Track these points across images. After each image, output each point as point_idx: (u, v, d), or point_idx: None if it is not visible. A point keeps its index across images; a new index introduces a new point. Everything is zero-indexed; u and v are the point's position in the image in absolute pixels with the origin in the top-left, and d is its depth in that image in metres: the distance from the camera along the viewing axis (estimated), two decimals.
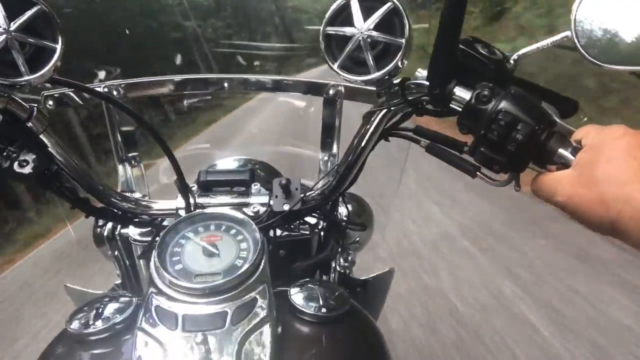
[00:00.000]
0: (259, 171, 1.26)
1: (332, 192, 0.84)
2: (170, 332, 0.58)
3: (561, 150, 0.56)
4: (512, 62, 0.64)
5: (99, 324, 0.65)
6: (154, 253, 0.65)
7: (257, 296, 0.63)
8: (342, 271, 1.17)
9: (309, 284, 0.74)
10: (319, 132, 1.05)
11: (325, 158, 1.06)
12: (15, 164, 0.68)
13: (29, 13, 0.64)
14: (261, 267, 0.65)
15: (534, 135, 0.56)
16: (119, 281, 1.09)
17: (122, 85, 0.96)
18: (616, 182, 0.49)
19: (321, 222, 0.95)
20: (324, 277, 1.05)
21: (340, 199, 0.94)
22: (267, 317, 0.61)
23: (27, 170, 0.69)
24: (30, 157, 0.69)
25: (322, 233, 0.95)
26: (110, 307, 0.69)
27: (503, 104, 0.57)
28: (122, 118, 0.99)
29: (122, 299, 0.71)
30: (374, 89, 0.74)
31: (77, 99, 0.92)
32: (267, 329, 0.60)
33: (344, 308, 0.69)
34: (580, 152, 0.54)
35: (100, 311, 0.68)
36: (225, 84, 1.04)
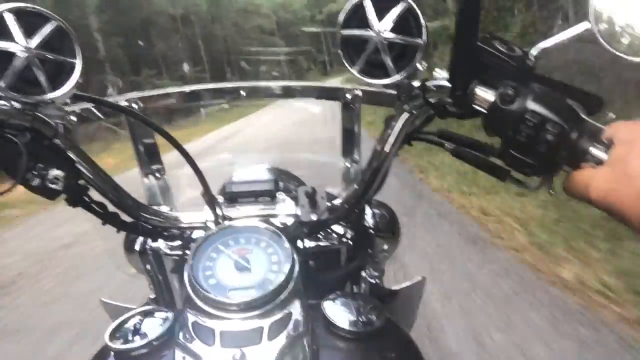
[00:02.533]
0: (281, 180, 1.26)
1: (359, 199, 0.83)
2: (208, 347, 0.59)
3: (593, 149, 0.54)
4: (532, 57, 0.63)
5: (138, 340, 0.66)
6: (188, 268, 0.65)
7: (292, 310, 0.62)
8: (373, 281, 1.15)
9: (342, 297, 0.74)
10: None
11: (348, 164, 1.05)
12: (46, 181, 0.69)
13: (46, 29, 0.64)
14: (294, 280, 0.65)
15: (564, 134, 0.54)
16: (152, 295, 1.10)
17: (140, 98, 0.97)
18: None
19: (349, 231, 0.94)
20: (355, 288, 1.04)
21: (367, 206, 0.93)
22: (304, 332, 0.61)
23: (58, 187, 0.70)
24: (59, 174, 0.70)
25: (350, 242, 0.95)
26: (148, 323, 0.69)
27: (529, 104, 0.56)
28: (144, 130, 1.00)
29: (158, 314, 0.71)
30: (393, 92, 0.73)
31: (98, 113, 0.93)
32: (304, 344, 0.61)
33: (379, 322, 0.68)
34: (612, 149, 0.53)
35: (138, 327, 0.69)
36: (242, 92, 1.04)
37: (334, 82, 1.01)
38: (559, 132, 0.54)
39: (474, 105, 0.63)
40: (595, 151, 0.54)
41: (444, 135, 0.73)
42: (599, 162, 0.54)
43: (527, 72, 0.61)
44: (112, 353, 0.66)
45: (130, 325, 0.69)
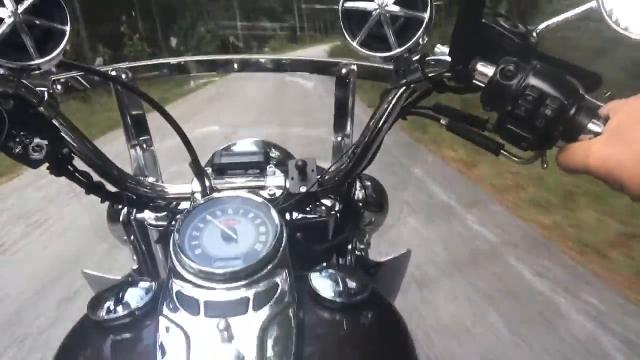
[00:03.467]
0: (272, 152, 1.24)
1: (349, 173, 0.83)
2: (192, 317, 0.58)
3: (590, 124, 0.54)
4: (535, 35, 0.62)
5: (120, 310, 0.65)
6: (173, 237, 0.65)
7: (278, 281, 0.62)
8: (359, 253, 1.16)
9: (329, 268, 0.74)
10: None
11: (339, 139, 1.04)
12: (29, 149, 0.67)
13: None
14: (281, 251, 0.65)
15: (563, 110, 0.54)
16: (135, 266, 1.09)
17: (129, 68, 0.95)
18: None
19: (337, 204, 0.94)
20: (341, 260, 1.05)
21: (357, 180, 0.92)
22: (289, 303, 0.61)
23: (41, 155, 0.68)
24: (43, 143, 0.68)
25: (338, 215, 0.94)
26: (131, 293, 0.68)
27: (530, 79, 0.55)
28: (131, 101, 0.98)
29: (141, 284, 0.70)
30: (389, 67, 0.72)
31: (85, 83, 0.90)
32: (289, 315, 0.60)
33: (365, 293, 0.69)
34: (610, 120, 0.53)
35: (120, 297, 0.68)
36: (235, 65, 1.02)
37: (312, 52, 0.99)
38: (558, 107, 0.54)
39: (473, 80, 0.62)
40: (593, 126, 0.54)
41: (439, 109, 0.73)
42: (596, 135, 0.54)
43: (529, 49, 0.61)
44: (93, 324, 0.65)
45: (112, 295, 0.68)
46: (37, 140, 0.68)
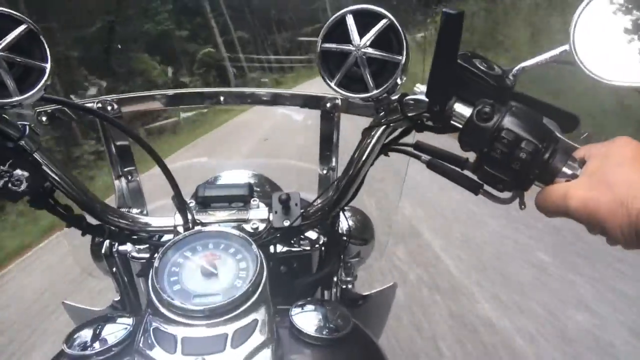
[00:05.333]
0: (257, 185, 1.24)
1: (333, 207, 0.83)
2: (168, 355, 0.57)
3: (565, 168, 0.55)
4: (511, 77, 0.63)
5: (97, 346, 0.64)
6: (152, 273, 0.64)
7: (258, 317, 0.61)
8: (344, 286, 1.15)
9: (310, 303, 0.73)
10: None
11: (325, 172, 1.05)
12: (9, 184, 0.67)
13: (16, 32, 0.63)
14: (261, 287, 0.64)
15: (538, 153, 0.55)
16: (117, 298, 1.07)
17: (116, 100, 0.95)
18: (632, 181, 0.47)
19: (322, 238, 0.94)
20: (326, 293, 1.04)
21: (341, 213, 0.92)
22: (268, 340, 0.60)
23: (21, 188, 0.68)
24: (23, 176, 0.68)
25: (323, 248, 0.94)
26: (108, 328, 0.67)
27: (505, 122, 0.56)
28: (117, 133, 0.98)
29: (120, 320, 0.69)
30: (372, 103, 0.73)
31: (71, 114, 0.91)
32: (268, 352, 0.59)
33: (346, 329, 0.68)
34: (587, 163, 0.53)
35: (98, 332, 0.67)
36: (222, 98, 1.03)
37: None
38: (533, 150, 0.55)
39: (451, 121, 0.63)
40: (568, 169, 0.55)
41: (420, 147, 0.74)
42: (572, 177, 0.54)
43: (506, 90, 0.62)
44: (69, 359, 0.64)
45: (90, 330, 0.67)
46: (17, 173, 0.68)
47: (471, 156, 0.65)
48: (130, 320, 0.69)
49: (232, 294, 0.61)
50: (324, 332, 0.67)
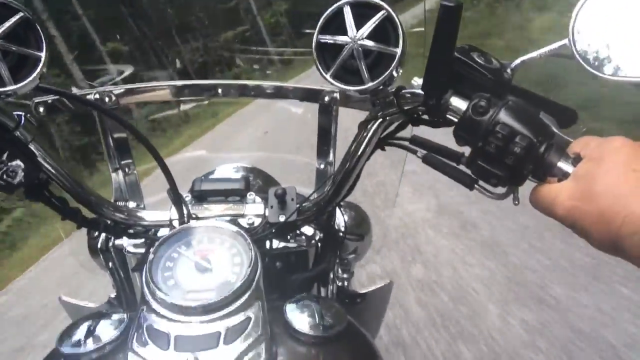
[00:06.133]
0: (254, 179, 1.24)
1: (329, 202, 0.83)
2: (162, 352, 0.57)
3: (560, 163, 0.54)
4: (509, 71, 0.62)
5: (90, 344, 0.64)
6: (146, 268, 0.64)
7: (251, 314, 0.61)
8: (341, 283, 1.15)
9: (305, 299, 0.73)
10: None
11: (322, 166, 1.04)
12: (4, 175, 0.67)
13: (11, 21, 0.63)
14: (255, 282, 0.64)
15: (533, 148, 0.54)
16: (114, 293, 1.07)
17: (114, 92, 0.95)
18: (616, 195, 0.47)
19: (318, 233, 0.93)
20: (322, 290, 1.04)
21: (337, 209, 0.92)
22: (261, 337, 0.60)
23: (16, 180, 0.68)
24: (18, 167, 0.68)
25: (319, 244, 0.94)
26: (102, 325, 0.67)
27: (500, 116, 0.56)
28: (114, 125, 0.97)
29: (114, 316, 0.69)
30: (369, 97, 0.72)
31: (69, 104, 0.90)
32: (261, 349, 0.59)
33: (340, 326, 0.68)
34: (579, 164, 0.53)
35: (91, 329, 0.67)
36: (220, 90, 1.02)
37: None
38: (527, 145, 0.54)
39: (447, 115, 0.63)
40: (563, 165, 0.54)
41: (416, 141, 0.73)
42: (565, 176, 0.54)
43: (503, 84, 0.61)
44: (62, 358, 0.64)
45: (84, 327, 0.67)
46: (12, 164, 0.67)
47: (468, 151, 0.64)
48: (124, 317, 0.69)
49: (226, 290, 0.61)
50: (318, 330, 0.67)
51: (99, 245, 0.97)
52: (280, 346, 0.64)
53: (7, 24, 0.62)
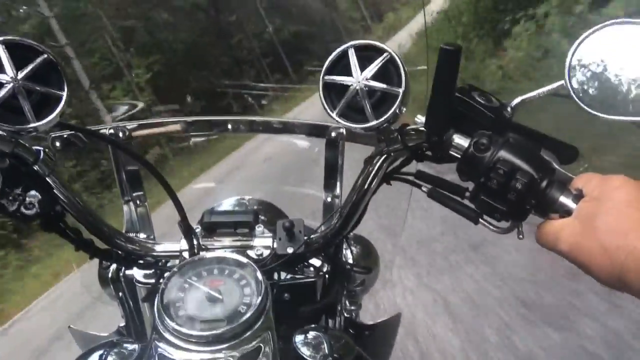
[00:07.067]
0: (262, 212, 1.26)
1: (336, 235, 0.84)
2: None
3: (562, 199, 0.56)
4: (509, 109, 0.64)
5: None
6: (157, 298, 0.65)
7: (262, 344, 0.62)
8: (348, 315, 1.15)
9: (314, 330, 0.73)
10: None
11: (329, 199, 1.06)
12: (22, 206, 0.69)
13: (35, 62, 0.67)
14: (265, 313, 0.64)
15: (534, 184, 0.56)
16: (123, 323, 1.08)
17: (128, 127, 0.98)
18: (618, 232, 0.49)
19: (326, 265, 0.94)
20: (330, 322, 1.03)
21: (345, 241, 0.93)
22: None
23: (33, 212, 0.70)
24: (35, 199, 0.70)
25: (326, 276, 0.94)
26: (114, 355, 0.68)
27: (501, 153, 0.58)
28: (127, 158, 1.00)
29: (125, 346, 0.70)
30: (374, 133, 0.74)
31: (84, 139, 0.93)
32: None
33: (349, 357, 0.69)
34: (581, 202, 0.54)
35: (104, 358, 0.68)
36: (229, 126, 1.05)
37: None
38: (529, 181, 0.56)
39: (450, 151, 0.65)
40: (564, 201, 0.56)
41: (421, 176, 0.75)
42: (567, 212, 0.55)
43: (504, 122, 0.63)
44: None
45: (95, 357, 0.68)
46: (29, 197, 0.70)
47: (472, 186, 0.66)
48: (135, 347, 0.70)
49: (237, 320, 0.62)
50: None
51: (109, 275, 0.98)
52: None
53: (31, 66, 0.66)
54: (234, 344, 0.60)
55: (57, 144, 0.91)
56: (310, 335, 0.72)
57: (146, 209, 1.07)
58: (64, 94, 0.69)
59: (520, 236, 0.63)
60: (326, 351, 0.69)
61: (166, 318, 0.62)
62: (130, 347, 0.70)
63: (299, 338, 0.71)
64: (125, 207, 1.04)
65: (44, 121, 0.67)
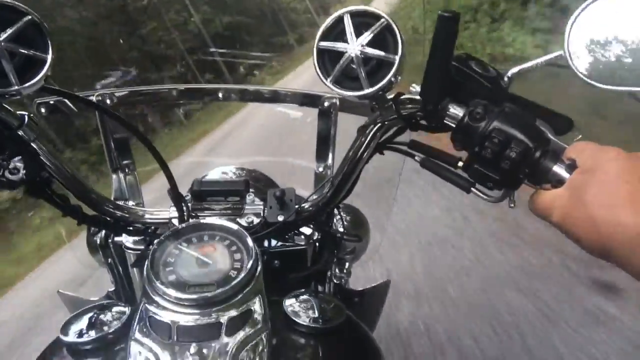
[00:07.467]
0: (253, 181, 1.25)
1: (327, 204, 0.84)
2: (163, 342, 0.58)
3: (555, 169, 0.56)
4: (506, 79, 0.64)
5: (92, 334, 0.65)
6: (147, 263, 0.65)
7: (252, 307, 0.62)
8: (338, 282, 1.16)
9: (304, 294, 0.74)
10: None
11: (321, 169, 1.06)
12: (6, 171, 0.68)
13: (19, 23, 0.64)
14: (255, 277, 0.64)
15: (528, 154, 0.56)
16: (112, 288, 1.08)
17: (116, 94, 0.96)
18: (607, 205, 0.49)
19: (316, 233, 0.94)
20: (320, 287, 1.05)
21: (336, 211, 0.93)
22: (262, 328, 0.61)
23: (18, 177, 0.69)
24: (20, 165, 0.69)
25: (317, 244, 0.95)
26: (104, 316, 0.69)
27: (496, 122, 0.58)
28: (115, 125, 0.99)
29: (115, 308, 0.71)
30: (368, 102, 0.73)
31: (71, 105, 0.92)
32: (262, 340, 0.60)
33: (339, 319, 0.69)
34: (574, 173, 0.55)
35: (93, 320, 0.68)
36: (220, 94, 1.04)
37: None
38: (523, 150, 0.56)
39: (445, 121, 0.64)
40: (558, 170, 0.56)
41: (414, 146, 0.74)
42: (560, 181, 0.55)
43: (500, 92, 0.63)
44: (65, 346, 0.66)
45: (86, 318, 0.68)
46: (14, 162, 0.68)
47: (465, 155, 0.65)
48: (126, 309, 0.70)
49: (227, 284, 0.62)
50: (317, 322, 0.68)
51: (98, 242, 0.98)
52: (281, 338, 0.66)
53: (15, 27, 0.64)
54: (224, 307, 0.60)
55: (43, 110, 0.89)
56: (301, 299, 0.73)
57: (135, 177, 1.07)
58: (49, 56, 0.66)
59: (512, 205, 0.63)
60: (316, 314, 0.69)
61: (156, 281, 0.62)
62: (120, 309, 0.70)
63: (289, 302, 0.72)
64: (114, 176, 1.03)
65: (28, 84, 0.65)
